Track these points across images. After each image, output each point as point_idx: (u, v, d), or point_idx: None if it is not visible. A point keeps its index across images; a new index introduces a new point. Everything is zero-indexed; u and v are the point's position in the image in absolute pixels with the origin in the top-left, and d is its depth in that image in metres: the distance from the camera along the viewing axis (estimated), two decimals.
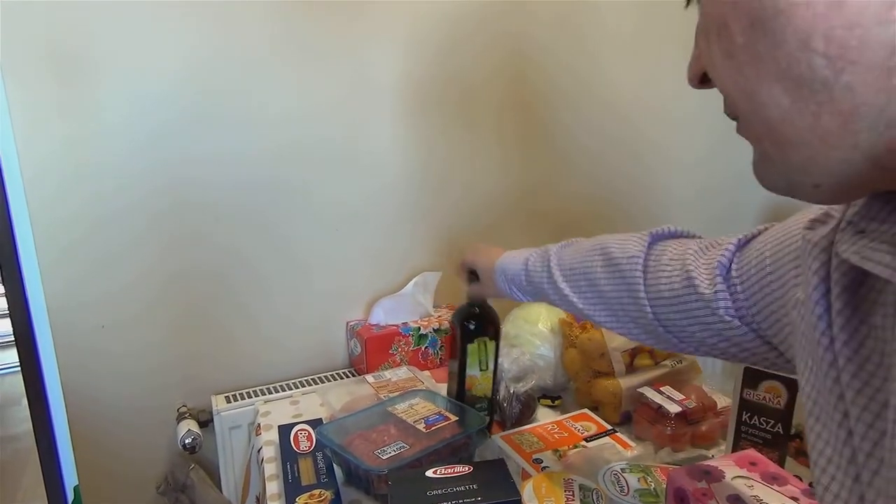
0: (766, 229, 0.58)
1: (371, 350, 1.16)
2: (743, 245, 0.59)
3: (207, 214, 1.08)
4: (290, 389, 1.14)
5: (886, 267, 0.34)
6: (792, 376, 0.69)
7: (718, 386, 1.06)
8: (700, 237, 0.67)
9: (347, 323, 1.23)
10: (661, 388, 0.98)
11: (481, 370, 0.98)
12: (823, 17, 0.30)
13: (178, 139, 1.03)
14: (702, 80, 0.40)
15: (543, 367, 1.07)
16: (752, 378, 0.85)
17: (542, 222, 1.35)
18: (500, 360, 0.99)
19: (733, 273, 0.58)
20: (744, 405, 0.86)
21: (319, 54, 1.09)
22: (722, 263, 0.58)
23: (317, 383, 1.17)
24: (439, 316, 1.25)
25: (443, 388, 1.12)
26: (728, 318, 0.57)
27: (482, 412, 0.97)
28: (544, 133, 1.32)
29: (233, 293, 1.13)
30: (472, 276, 0.90)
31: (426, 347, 1.21)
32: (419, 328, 1.20)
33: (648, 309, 0.65)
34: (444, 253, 1.28)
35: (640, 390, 0.98)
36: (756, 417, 0.86)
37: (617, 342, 1.00)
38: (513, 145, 1.29)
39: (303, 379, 1.19)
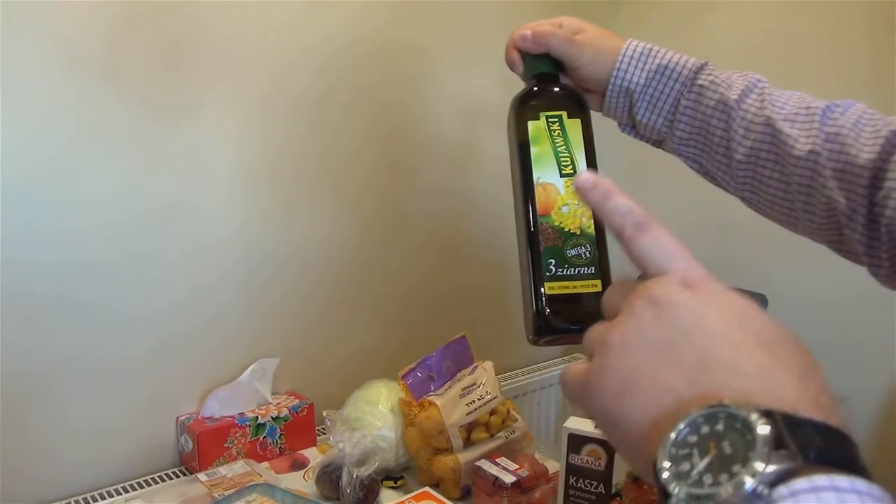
0: None
1: (204, 445, 1.10)
2: None
3: (18, 305, 0.99)
4: (113, 497, 1.05)
5: None
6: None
7: (549, 452, 1.13)
8: None
9: (178, 418, 1.16)
10: (496, 460, 1.02)
11: (563, 174, 0.56)
12: None
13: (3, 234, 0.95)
14: None
15: (385, 449, 1.08)
16: (575, 443, 0.93)
17: (399, 300, 1.38)
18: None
19: None
20: (570, 469, 0.93)
21: (152, 136, 1.07)
22: None
23: (143, 486, 1.08)
24: (278, 403, 1.21)
25: (284, 479, 1.09)
26: None
27: (584, 268, 0.53)
28: (385, 221, 1.37)
29: (48, 396, 1.03)
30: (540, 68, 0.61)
31: (265, 437, 1.17)
32: (257, 418, 1.16)
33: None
34: (281, 339, 1.26)
35: (477, 463, 1.01)
36: (582, 480, 0.93)
37: (454, 419, 1.04)
38: (358, 218, 1.32)
39: (127, 484, 1.09)
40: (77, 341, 1.05)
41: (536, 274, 0.53)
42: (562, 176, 0.55)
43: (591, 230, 0.53)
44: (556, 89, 0.60)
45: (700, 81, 0.56)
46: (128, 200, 1.06)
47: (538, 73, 0.61)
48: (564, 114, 0.57)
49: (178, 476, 1.12)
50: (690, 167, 0.60)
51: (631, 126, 0.61)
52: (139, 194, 1.08)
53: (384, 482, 1.07)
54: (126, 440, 1.11)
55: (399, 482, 1.08)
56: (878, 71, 1.24)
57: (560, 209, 0.54)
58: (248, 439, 1.15)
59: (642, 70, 0.58)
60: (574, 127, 0.56)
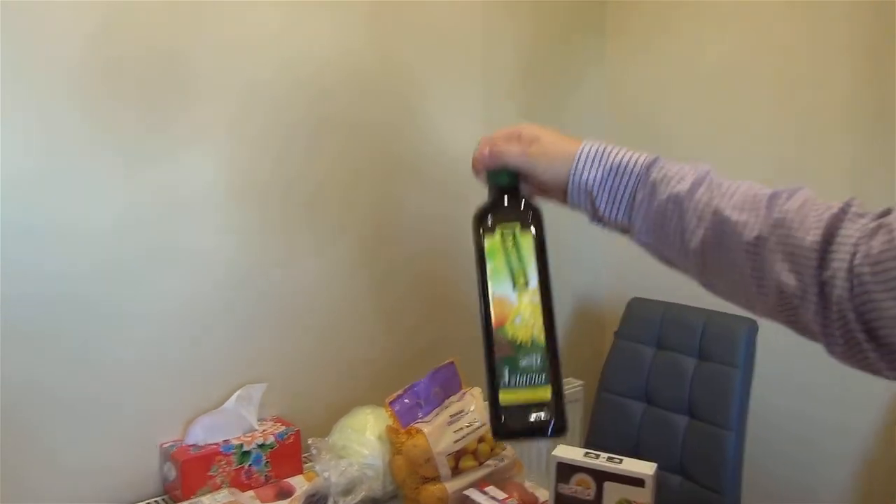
0: None
1: (187, 473, 1.08)
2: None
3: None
4: None
5: None
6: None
7: (539, 481, 1.11)
8: None
9: (161, 445, 1.14)
10: (485, 489, 1.01)
11: (517, 287, 0.59)
12: None
13: None
14: None
15: (372, 477, 1.06)
16: (564, 472, 0.91)
17: (387, 326, 1.37)
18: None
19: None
20: (559, 499, 0.92)
21: (136, 165, 1.06)
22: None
23: None
24: (264, 430, 1.20)
25: None
26: None
27: (535, 376, 0.56)
28: (371, 246, 1.36)
29: (28, 425, 1.01)
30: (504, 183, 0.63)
31: (250, 465, 1.15)
32: (242, 445, 1.14)
33: (845, 286, 0.50)
34: (269, 364, 1.24)
35: (465, 493, 1.00)
36: None
37: (442, 446, 1.02)
38: (347, 245, 1.32)
39: None
40: (58, 369, 1.03)
41: (492, 383, 0.56)
42: (514, 289, 0.58)
43: (542, 340, 0.56)
44: (513, 202, 0.62)
45: (652, 177, 0.59)
46: (113, 227, 1.06)
47: (498, 185, 0.63)
48: (518, 227, 0.59)
49: None
50: (652, 256, 0.62)
51: (598, 219, 0.64)
52: (124, 220, 1.07)
53: None
54: (108, 468, 1.09)
55: None
56: (879, 71, 1.25)
57: (514, 321, 0.57)
58: (232, 467, 1.13)
59: (598, 170, 0.61)
60: (527, 240, 0.59)
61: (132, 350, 1.10)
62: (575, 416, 1.67)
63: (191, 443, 1.13)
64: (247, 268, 1.20)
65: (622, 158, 0.60)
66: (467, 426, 1.06)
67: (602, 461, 0.90)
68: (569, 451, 0.92)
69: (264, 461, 1.17)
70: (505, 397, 0.55)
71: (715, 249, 0.56)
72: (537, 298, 0.56)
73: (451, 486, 1.01)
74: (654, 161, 0.60)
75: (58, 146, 1.00)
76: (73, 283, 1.03)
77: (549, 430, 0.54)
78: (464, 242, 1.51)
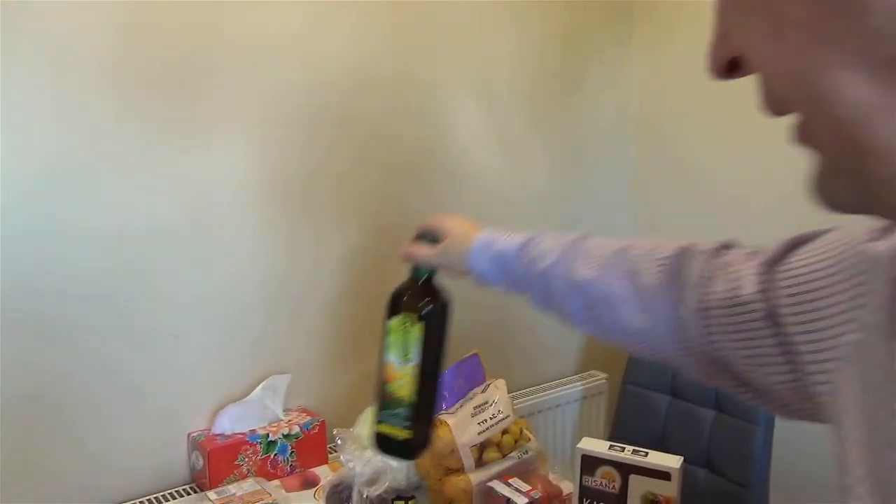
0: (820, 234, 0.49)
1: (214, 462, 1.10)
2: (791, 248, 0.50)
3: (30, 325, 0.99)
4: None
5: None
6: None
7: (564, 473, 1.11)
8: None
9: (189, 435, 1.16)
10: (509, 481, 1.00)
11: (402, 360, 0.78)
12: None
13: (3, 251, 0.96)
14: (730, 67, 0.30)
15: (397, 468, 1.07)
16: (589, 465, 0.91)
17: None
18: (430, 375, 0.76)
19: (780, 278, 0.49)
20: (584, 492, 0.91)
21: (160, 161, 1.08)
22: (766, 263, 0.51)
23: None
24: (289, 420, 1.21)
25: (295, 498, 1.08)
26: (763, 326, 0.49)
27: (400, 422, 0.75)
28: (393, 239, 1.36)
29: (59, 414, 1.03)
30: (427, 240, 0.78)
31: (275, 455, 1.16)
32: (268, 435, 1.16)
33: (695, 317, 0.54)
34: (293, 356, 1.25)
35: (489, 484, 1.00)
36: (595, 503, 0.91)
37: (465, 438, 1.02)
38: (365, 247, 1.32)
39: (137, 501, 1.09)
40: (89, 360, 1.05)
41: (376, 416, 0.77)
42: (401, 361, 0.76)
43: (412, 400, 0.75)
44: (422, 292, 0.78)
45: (524, 259, 0.69)
46: (140, 220, 1.07)
47: (413, 276, 0.79)
48: (414, 318, 0.76)
49: (188, 493, 1.12)
50: (554, 319, 0.72)
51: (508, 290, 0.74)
52: (151, 214, 1.08)
53: (395, 502, 1.05)
54: (137, 457, 1.11)
55: (410, 502, 1.07)
56: None
57: (397, 381, 0.76)
58: (258, 457, 1.14)
59: (486, 258, 0.72)
60: (417, 330, 0.76)
61: (161, 343, 1.11)
62: (599, 410, 1.66)
63: (218, 432, 1.15)
64: (272, 261, 1.21)
65: (503, 246, 0.71)
66: (491, 418, 1.06)
67: (627, 454, 0.89)
68: (594, 444, 0.92)
69: (290, 451, 1.18)
70: (378, 427, 0.76)
71: (588, 309, 0.64)
72: (415, 372, 0.75)
73: (475, 477, 1.01)
74: (526, 243, 0.69)
75: (82, 143, 1.01)
76: (101, 278, 1.04)
77: (402, 455, 0.79)
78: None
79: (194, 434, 1.16)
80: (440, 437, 1.02)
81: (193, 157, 1.11)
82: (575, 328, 0.68)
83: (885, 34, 0.24)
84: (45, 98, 0.97)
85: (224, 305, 1.17)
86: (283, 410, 1.22)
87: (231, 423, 1.16)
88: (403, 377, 0.76)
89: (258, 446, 1.14)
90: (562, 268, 0.65)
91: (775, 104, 0.29)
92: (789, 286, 0.47)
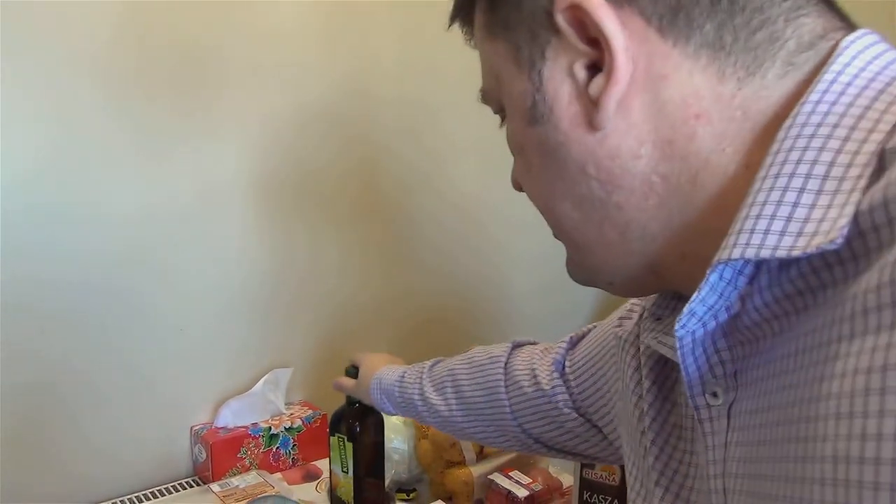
0: (593, 328, 0.65)
1: (217, 455, 1.11)
2: (574, 344, 0.66)
3: (30, 317, 1.00)
4: None
5: (670, 348, 0.39)
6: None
7: (564, 466, 1.12)
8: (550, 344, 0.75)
9: (192, 428, 1.17)
10: (509, 473, 1.01)
11: (342, 471, 0.96)
12: (591, 150, 0.37)
13: (8, 239, 0.96)
14: (521, 187, 0.45)
15: (398, 461, 1.08)
16: None
17: (396, 319, 1.38)
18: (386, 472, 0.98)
19: (567, 369, 0.65)
20: (584, 484, 0.92)
21: (162, 151, 1.08)
22: (557, 360, 0.66)
23: (156, 497, 1.08)
24: (291, 414, 1.21)
25: (297, 491, 1.09)
26: (567, 411, 0.64)
27: None
28: (396, 233, 1.37)
29: (61, 406, 1.03)
30: (352, 374, 0.92)
31: (278, 448, 1.17)
32: (270, 428, 1.16)
33: (508, 409, 0.69)
34: (295, 349, 1.26)
35: (490, 477, 1.00)
36: (596, 496, 0.91)
37: None
38: (364, 243, 1.33)
39: (140, 493, 1.09)
40: (91, 352, 1.05)
41: None
42: (342, 470, 0.96)
43: (352, 502, 0.96)
44: (356, 413, 0.94)
45: (400, 392, 0.81)
46: (146, 210, 1.08)
47: (347, 401, 0.95)
48: (345, 438, 0.94)
49: (191, 486, 1.12)
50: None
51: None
52: (157, 205, 1.08)
53: (396, 495, 1.06)
54: (140, 449, 1.12)
55: (411, 495, 1.07)
56: None
57: (341, 487, 0.97)
58: (261, 450, 1.15)
59: (379, 393, 0.83)
60: (349, 448, 0.94)
61: (163, 336, 1.12)
62: None
63: (220, 425, 1.15)
64: (273, 254, 1.22)
65: (386, 384, 0.82)
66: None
67: None
68: None
69: (292, 444, 1.18)
70: None
71: (444, 425, 0.77)
72: (352, 480, 0.95)
73: (477, 470, 1.02)
74: (401, 377, 0.81)
75: (83, 133, 1.01)
76: (101, 269, 1.04)
77: None
78: (486, 231, 1.51)
79: (197, 427, 1.16)
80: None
81: (201, 146, 1.11)
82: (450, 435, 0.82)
83: (576, 180, 0.38)
84: (43, 86, 0.97)
85: (227, 299, 1.18)
86: (285, 404, 1.23)
87: (234, 416, 1.16)
88: (345, 485, 0.96)
89: (260, 439, 1.15)
90: (418, 394, 0.78)
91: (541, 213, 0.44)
92: (580, 380, 0.62)
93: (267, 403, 1.20)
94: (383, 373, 0.83)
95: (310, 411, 1.22)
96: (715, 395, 0.36)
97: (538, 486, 0.98)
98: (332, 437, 0.97)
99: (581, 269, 0.44)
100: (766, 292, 0.33)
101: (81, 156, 1.01)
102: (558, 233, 0.43)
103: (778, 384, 0.32)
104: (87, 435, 1.06)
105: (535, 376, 0.67)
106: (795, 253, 0.30)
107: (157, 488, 1.11)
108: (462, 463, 1.03)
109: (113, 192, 1.04)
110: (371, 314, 1.35)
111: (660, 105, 0.35)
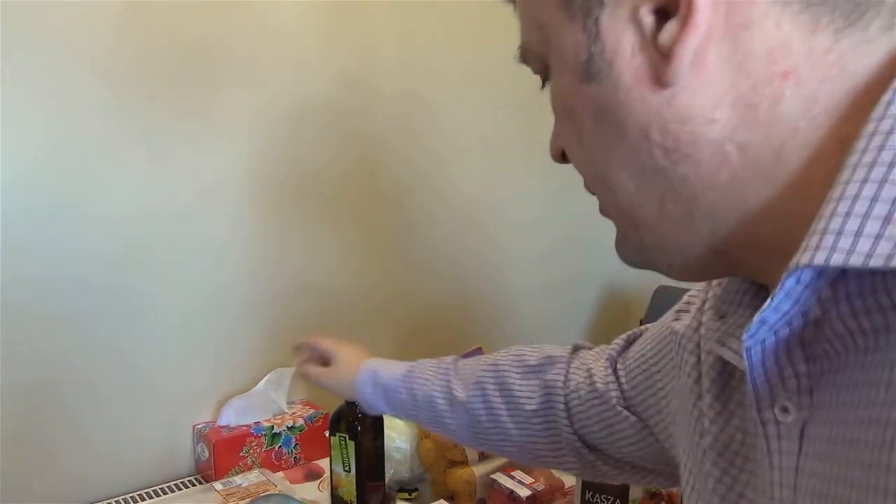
0: (648, 328, 0.60)
1: (219, 454, 1.11)
2: (632, 341, 0.62)
3: (32, 317, 1.00)
4: None
5: (735, 353, 0.35)
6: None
7: None
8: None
9: (194, 426, 1.17)
10: (511, 473, 1.01)
11: (344, 470, 0.96)
12: (657, 111, 0.32)
13: (8, 238, 0.96)
14: (563, 156, 0.40)
15: (400, 460, 1.08)
16: None
17: (395, 319, 1.38)
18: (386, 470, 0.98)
19: (619, 365, 0.60)
20: (586, 484, 0.92)
21: (163, 151, 1.08)
22: (611, 357, 0.62)
23: (158, 495, 1.09)
24: (293, 413, 1.22)
25: (299, 490, 1.09)
26: (619, 409, 0.59)
27: None
28: (395, 233, 1.37)
29: (63, 406, 1.03)
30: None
31: (280, 447, 1.17)
32: (272, 427, 1.17)
33: (562, 409, 0.63)
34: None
35: (492, 476, 1.01)
36: (598, 495, 0.92)
37: None
38: (364, 242, 1.33)
39: (143, 492, 1.10)
40: (91, 352, 1.05)
41: None
42: (344, 469, 0.96)
43: (354, 501, 0.96)
44: (352, 415, 0.94)
45: (406, 390, 0.73)
46: (148, 210, 1.08)
47: (348, 400, 0.88)
48: (346, 437, 0.94)
49: (193, 485, 1.13)
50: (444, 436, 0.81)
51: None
52: (159, 204, 1.09)
53: (398, 494, 1.07)
54: (142, 448, 1.12)
55: (413, 494, 1.08)
56: None
57: (342, 487, 0.98)
58: (263, 448, 1.15)
59: (371, 389, 0.76)
60: (351, 446, 0.94)
61: (164, 335, 1.12)
62: None
63: (223, 424, 1.16)
64: (274, 253, 1.22)
65: (385, 380, 0.75)
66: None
67: None
68: None
69: (294, 443, 1.19)
70: None
71: (472, 427, 0.70)
72: (355, 479, 0.95)
73: (479, 469, 1.02)
74: (407, 374, 0.74)
75: (83, 133, 1.01)
76: (102, 268, 1.04)
77: None
78: (486, 231, 1.50)
79: (199, 426, 1.16)
80: None
81: (201, 145, 1.11)
82: (464, 444, 0.77)
83: (636, 147, 0.33)
84: (43, 85, 0.97)
85: (229, 298, 1.18)
86: (287, 403, 1.23)
87: (236, 415, 1.17)
88: (347, 484, 0.96)
89: (263, 438, 1.15)
90: (441, 392, 0.71)
91: (589, 188, 0.39)
92: (631, 376, 0.58)
93: (269, 402, 1.20)
94: (378, 366, 0.77)
95: (311, 410, 1.23)
96: (786, 410, 0.32)
97: (540, 486, 0.98)
98: (332, 437, 0.96)
99: (635, 249, 0.38)
100: (856, 300, 0.28)
101: (82, 156, 1.01)
102: (609, 207, 0.38)
103: (862, 416, 0.28)
104: (88, 434, 1.06)
105: (590, 375, 0.62)
106: (894, 263, 0.25)
107: (160, 486, 1.11)
108: (464, 462, 1.04)
109: (114, 191, 1.05)
110: (373, 313, 1.36)
111: (741, 59, 0.30)
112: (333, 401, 1.26)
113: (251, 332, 1.21)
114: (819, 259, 0.27)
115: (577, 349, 0.67)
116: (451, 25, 1.36)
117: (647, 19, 0.31)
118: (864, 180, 0.27)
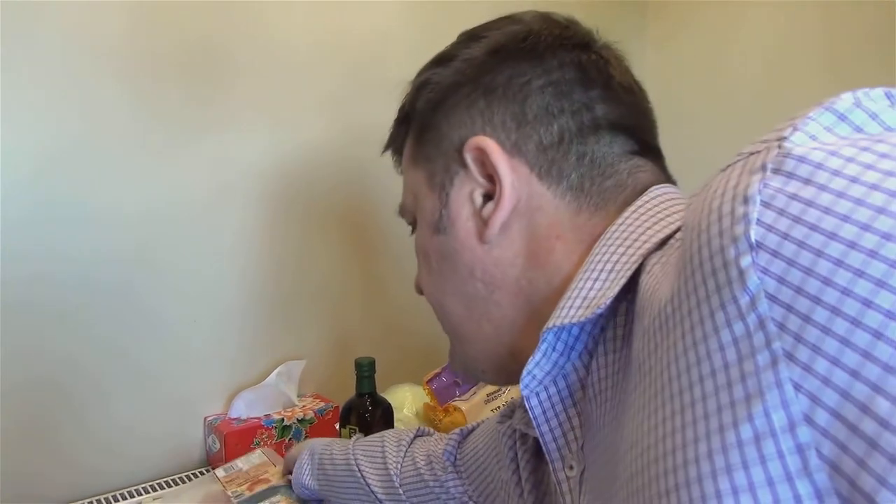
0: (480, 424, 0.74)
1: (231, 445, 1.11)
2: (465, 436, 0.74)
3: (42, 309, 1.00)
4: (135, 496, 1.06)
5: (530, 425, 0.46)
6: None
7: None
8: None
9: (205, 419, 1.17)
10: None
11: None
12: (480, 258, 0.48)
13: (14, 236, 0.97)
14: (421, 290, 0.56)
15: None
16: None
17: (407, 317, 1.37)
18: None
19: (458, 460, 0.72)
20: None
21: (168, 148, 1.09)
22: (448, 452, 0.73)
23: (170, 486, 1.09)
24: (304, 406, 1.21)
25: None
26: (457, 495, 0.71)
27: None
28: (406, 227, 1.36)
29: (75, 397, 1.04)
30: (366, 367, 0.98)
31: (290, 439, 1.17)
32: (283, 419, 1.16)
33: (397, 483, 0.74)
34: (308, 341, 1.26)
35: None
36: None
37: None
38: (378, 241, 1.32)
39: (154, 483, 1.10)
40: (104, 343, 1.06)
41: None
42: None
43: None
44: (362, 407, 0.99)
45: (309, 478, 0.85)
46: (150, 202, 1.08)
47: (357, 391, 0.99)
48: (357, 429, 0.96)
49: (202, 475, 1.13)
50: None
51: None
52: (167, 198, 1.09)
53: None
54: (153, 440, 1.12)
55: None
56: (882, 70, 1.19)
57: None
58: (273, 441, 1.15)
59: (309, 475, 0.86)
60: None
61: (176, 329, 1.12)
62: None
63: (234, 416, 1.16)
64: (286, 248, 1.22)
65: (325, 458, 0.84)
66: (504, 405, 1.05)
67: None
68: None
69: (304, 436, 1.18)
70: None
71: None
72: None
73: None
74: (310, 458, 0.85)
75: (84, 133, 1.01)
76: (111, 266, 1.05)
77: None
78: None
79: (210, 418, 1.17)
80: (453, 422, 1.02)
81: (207, 142, 1.12)
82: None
83: (465, 281, 0.50)
84: (50, 80, 0.98)
85: (240, 292, 1.18)
86: (298, 396, 1.23)
87: (247, 407, 1.17)
88: None
89: (273, 430, 1.15)
90: (312, 481, 0.84)
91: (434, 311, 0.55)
92: (466, 467, 0.69)
93: (280, 395, 1.20)
94: (316, 452, 0.86)
95: (322, 403, 1.22)
96: (572, 467, 0.43)
97: None
98: (342, 430, 0.97)
99: (461, 360, 0.53)
100: (599, 357, 0.41)
101: (84, 154, 1.01)
102: (446, 326, 0.53)
103: (604, 456, 0.39)
104: (100, 424, 1.07)
105: (430, 462, 0.73)
106: (577, 319, 0.40)
107: (171, 478, 1.12)
108: None
109: (126, 184, 1.05)
110: (385, 307, 1.35)
111: (532, 228, 0.46)
112: (343, 394, 1.26)
113: (262, 326, 1.21)
114: (549, 324, 0.41)
115: (417, 436, 0.79)
116: (462, 24, 1.35)
117: (478, 199, 0.48)
118: (582, 279, 0.42)
